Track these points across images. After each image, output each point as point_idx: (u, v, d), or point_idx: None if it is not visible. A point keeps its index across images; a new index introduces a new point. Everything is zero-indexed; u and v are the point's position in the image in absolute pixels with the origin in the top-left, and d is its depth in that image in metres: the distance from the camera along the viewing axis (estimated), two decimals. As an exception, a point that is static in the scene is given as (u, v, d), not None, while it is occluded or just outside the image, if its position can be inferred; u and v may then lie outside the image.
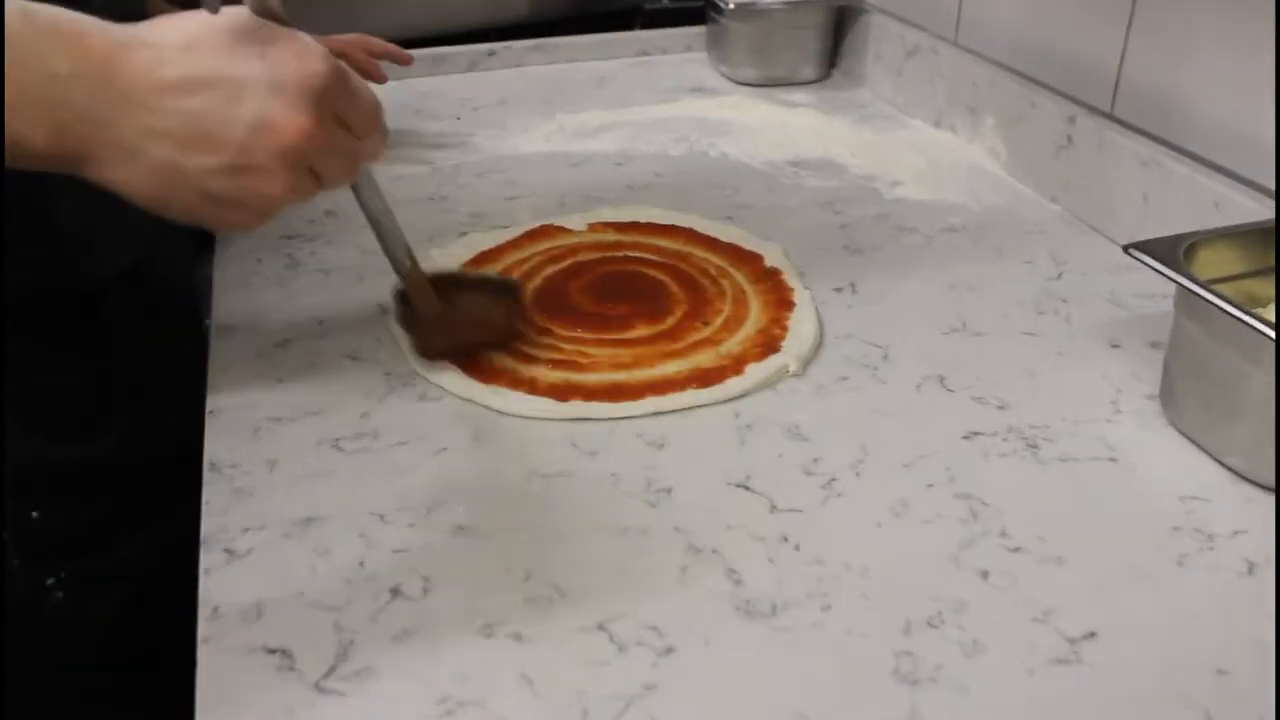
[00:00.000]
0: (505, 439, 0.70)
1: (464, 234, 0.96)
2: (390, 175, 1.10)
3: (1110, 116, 0.97)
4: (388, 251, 0.73)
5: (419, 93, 1.33)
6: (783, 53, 1.35)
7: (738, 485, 0.66)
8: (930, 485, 0.66)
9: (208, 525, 0.63)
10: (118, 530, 0.87)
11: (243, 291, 0.88)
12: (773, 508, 0.64)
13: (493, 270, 0.88)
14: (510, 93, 1.33)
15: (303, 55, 0.53)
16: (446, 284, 0.78)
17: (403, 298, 0.76)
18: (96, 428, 0.85)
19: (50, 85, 0.48)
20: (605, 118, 1.25)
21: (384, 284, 0.84)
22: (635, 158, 1.15)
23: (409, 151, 1.15)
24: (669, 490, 0.65)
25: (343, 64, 0.55)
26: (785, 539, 0.61)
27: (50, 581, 0.86)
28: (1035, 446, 0.69)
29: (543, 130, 1.21)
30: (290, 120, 0.52)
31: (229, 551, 0.61)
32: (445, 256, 0.91)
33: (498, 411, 0.72)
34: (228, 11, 0.53)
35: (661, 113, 1.27)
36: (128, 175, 0.51)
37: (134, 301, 0.86)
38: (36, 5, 0.49)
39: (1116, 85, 0.96)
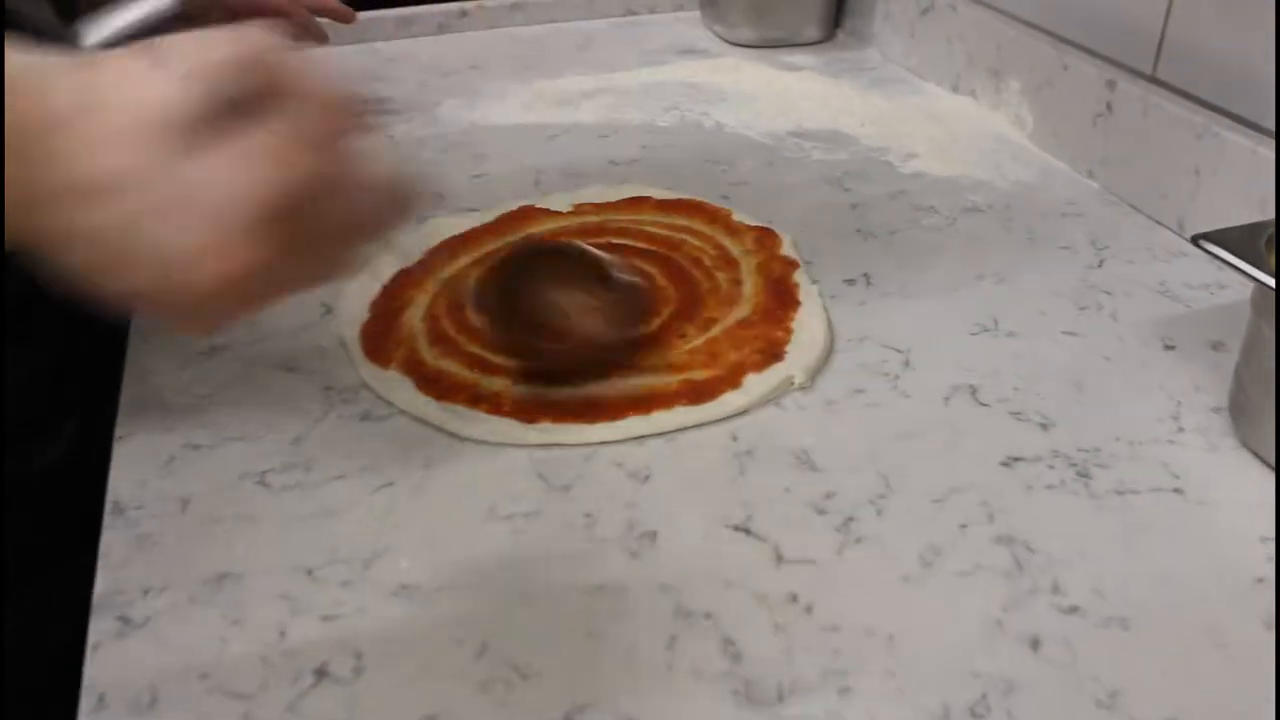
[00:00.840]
0: (461, 469, 0.60)
1: (426, 219, 0.85)
2: (346, 150, 0.98)
3: (1154, 80, 0.86)
4: None
5: (384, 57, 1.22)
6: (783, 10, 1.24)
7: (736, 528, 0.55)
8: (965, 526, 0.55)
9: (103, 584, 0.53)
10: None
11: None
12: (779, 558, 0.53)
13: (463, 261, 0.77)
14: (484, 57, 1.22)
15: (249, 157, 0.39)
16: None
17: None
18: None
19: None
20: (588, 83, 1.13)
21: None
22: (620, 129, 1.03)
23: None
24: (653, 535, 0.55)
25: (331, 155, 0.41)
26: (794, 598, 0.51)
27: None
28: (1087, 476, 0.59)
29: (519, 98, 1.09)
30: (215, 257, 0.39)
31: (124, 620, 0.51)
32: (408, 243, 0.80)
33: (453, 435, 0.62)
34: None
35: (649, 77, 1.15)
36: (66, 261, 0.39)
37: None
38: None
39: (1161, 44, 0.85)
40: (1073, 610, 0.50)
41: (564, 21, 1.32)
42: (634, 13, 1.36)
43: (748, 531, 0.55)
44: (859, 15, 1.26)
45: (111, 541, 0.55)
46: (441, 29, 1.29)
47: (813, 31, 1.25)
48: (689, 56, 1.23)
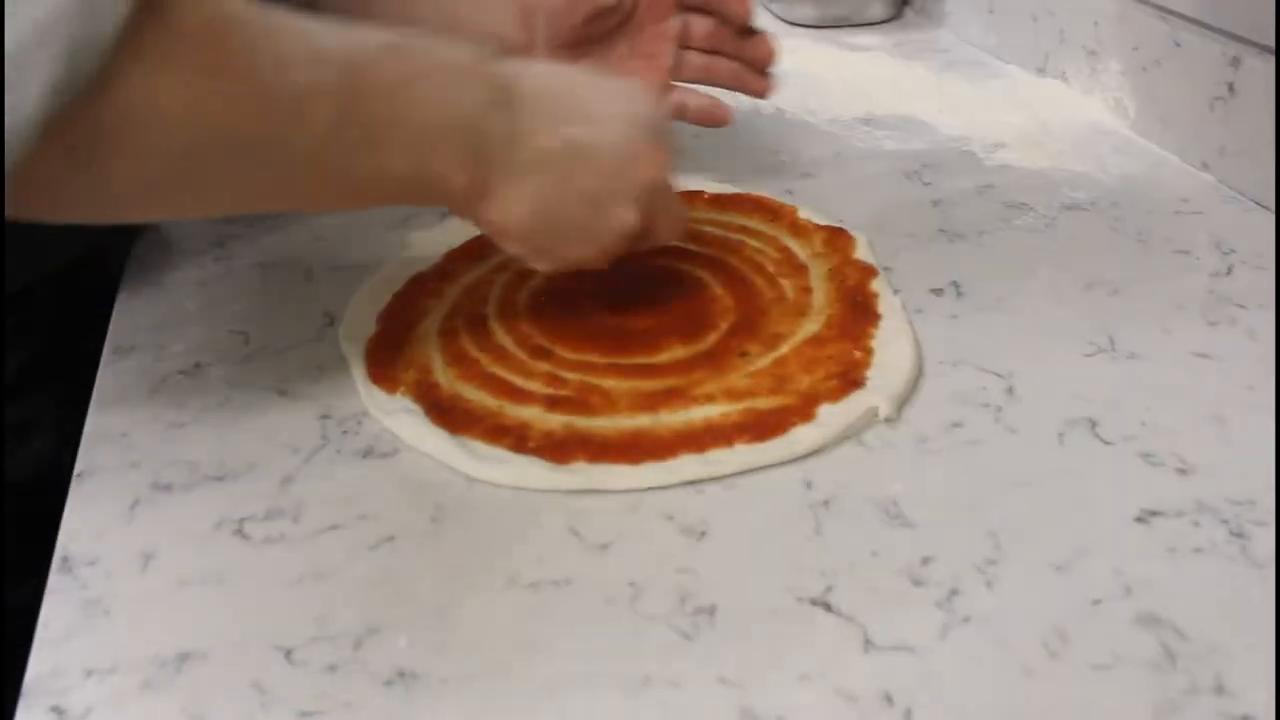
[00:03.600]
0: (477, 521, 0.49)
1: (448, 214, 0.75)
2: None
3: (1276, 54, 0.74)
4: None
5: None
6: (846, -14, 1.13)
7: (814, 602, 0.45)
8: (1097, 602, 0.44)
9: (38, 664, 0.43)
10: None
11: (152, 292, 0.68)
12: (867, 642, 0.43)
13: (488, 265, 0.68)
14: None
15: (639, 95, 0.57)
16: None
17: None
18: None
19: (471, 115, 0.50)
20: (632, 66, 1.03)
21: (337, 284, 0.64)
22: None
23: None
24: (711, 611, 0.44)
25: None
26: (889, 699, 0.40)
27: None
28: (1242, 536, 0.48)
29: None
30: (652, 152, 0.55)
31: (58, 711, 0.41)
32: (426, 242, 0.70)
33: (469, 477, 0.51)
34: None
35: (700, 60, 1.04)
36: (512, 205, 0.52)
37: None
38: (443, 45, 0.51)
39: (1291, 16, 0.73)
40: (1245, 720, 0.39)
41: (606, 0, 1.21)
42: (682, -9, 1.25)
43: (827, 607, 0.44)
44: (930, -9, 1.15)
45: (53, 610, 0.45)
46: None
47: (878, 10, 1.14)
48: (743, 37, 1.12)
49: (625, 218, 0.55)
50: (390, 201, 0.54)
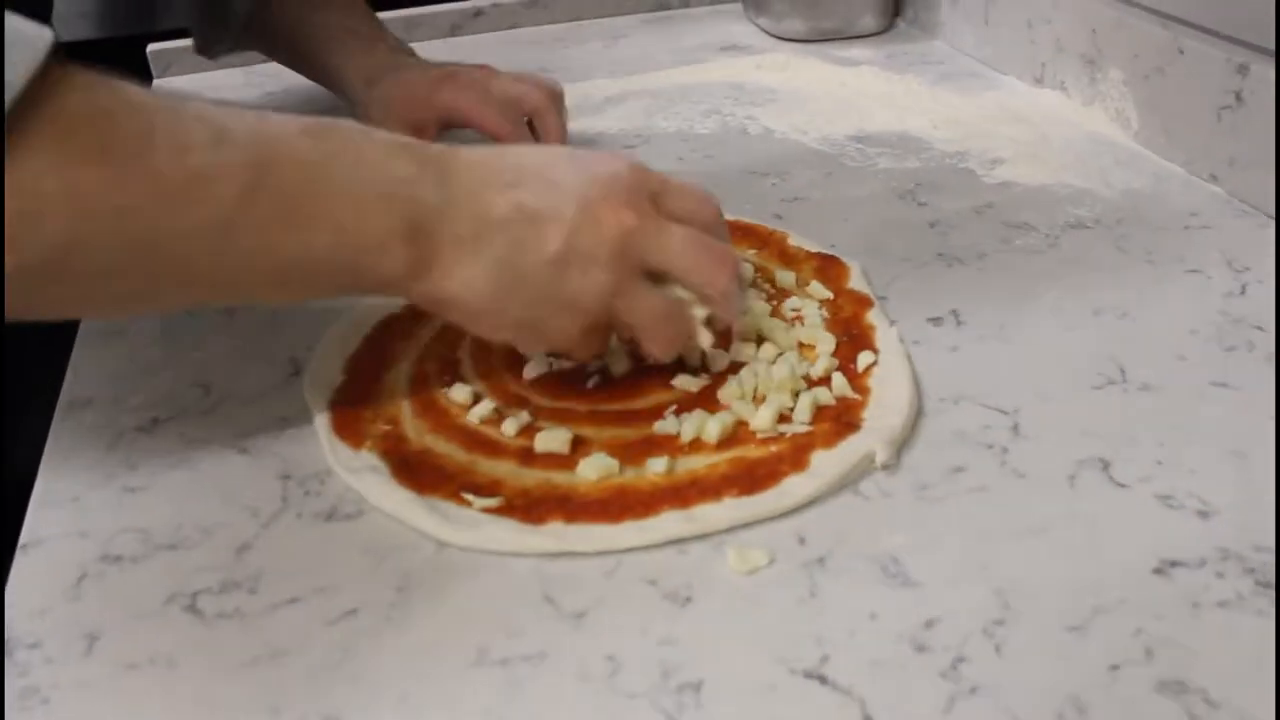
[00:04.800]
0: (445, 591, 0.46)
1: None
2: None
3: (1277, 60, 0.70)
4: None
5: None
6: (836, -1, 1.09)
7: (808, 674, 0.41)
8: (1115, 667, 0.41)
9: (-34, 763, 0.40)
10: None
11: (112, 340, 0.64)
12: (867, 719, 0.39)
13: None
14: (499, 60, 1.06)
15: (608, 157, 0.53)
16: None
17: None
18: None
19: (402, 186, 0.48)
20: (614, 87, 1.00)
21: (305, 327, 0.61)
22: (652, 137, 0.90)
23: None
24: (697, 687, 0.41)
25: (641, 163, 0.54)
26: (892, 786, 0.37)
27: None
28: (1270, 585, 0.44)
29: (536, 106, 0.96)
30: (611, 206, 0.50)
31: (-16, 820, 0.38)
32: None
33: (437, 541, 0.48)
34: None
35: (686, 78, 1.02)
36: (469, 277, 0.49)
37: None
38: (370, 128, 0.49)
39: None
40: (1284, 801, 0.36)
41: (588, 19, 1.18)
42: (666, 6, 1.22)
43: (823, 680, 0.41)
44: (922, 1, 1.11)
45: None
46: (454, 30, 1.16)
47: (870, 21, 1.11)
48: (730, 53, 1.09)
49: (597, 278, 0.50)
50: (324, 288, 0.49)
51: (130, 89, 0.43)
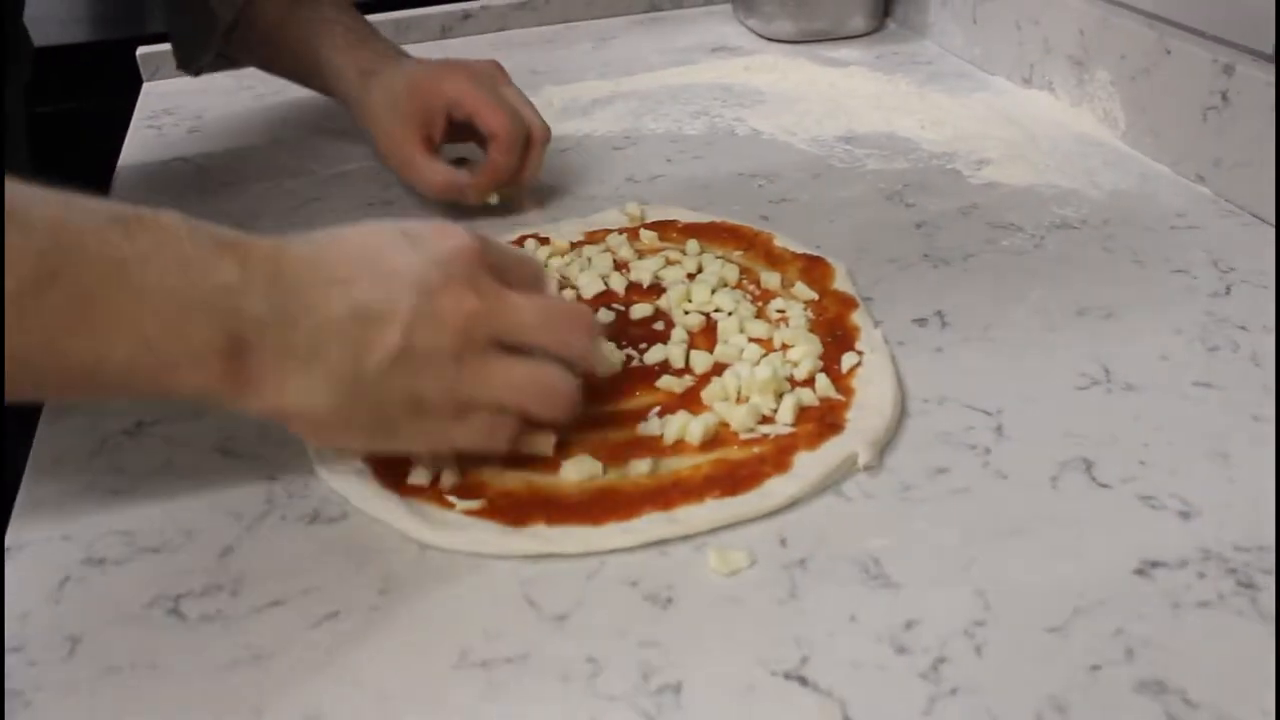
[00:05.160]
0: (427, 593, 0.46)
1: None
2: (325, 174, 0.86)
3: (1278, 61, 0.70)
4: None
5: (378, 66, 1.08)
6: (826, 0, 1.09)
7: (788, 676, 0.41)
8: (1096, 668, 0.41)
9: (-53, 767, 0.40)
10: None
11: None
12: (846, 721, 0.39)
13: None
14: (489, 62, 1.08)
15: (444, 232, 0.49)
16: None
17: None
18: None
19: (223, 296, 0.44)
20: (604, 89, 1.00)
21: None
22: (641, 139, 0.90)
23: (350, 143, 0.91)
24: (677, 689, 0.41)
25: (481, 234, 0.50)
26: (870, 787, 0.37)
27: None
28: (1251, 586, 0.44)
29: (525, 107, 0.96)
30: (452, 292, 0.47)
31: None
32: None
33: (420, 544, 0.48)
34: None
35: (675, 79, 1.02)
36: (305, 388, 0.45)
37: None
38: (196, 222, 0.45)
39: (1285, 21, 0.70)
40: (1261, 800, 0.36)
41: (578, 21, 1.18)
42: (657, 8, 1.22)
43: (803, 681, 0.41)
44: (911, 2, 1.12)
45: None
46: (444, 32, 1.16)
47: (859, 22, 1.11)
48: (719, 54, 1.09)
49: (445, 371, 0.47)
50: (121, 394, 0.47)
51: None
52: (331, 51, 0.81)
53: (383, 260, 0.47)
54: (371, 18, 1.10)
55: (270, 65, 0.91)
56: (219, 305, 0.44)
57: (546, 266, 0.67)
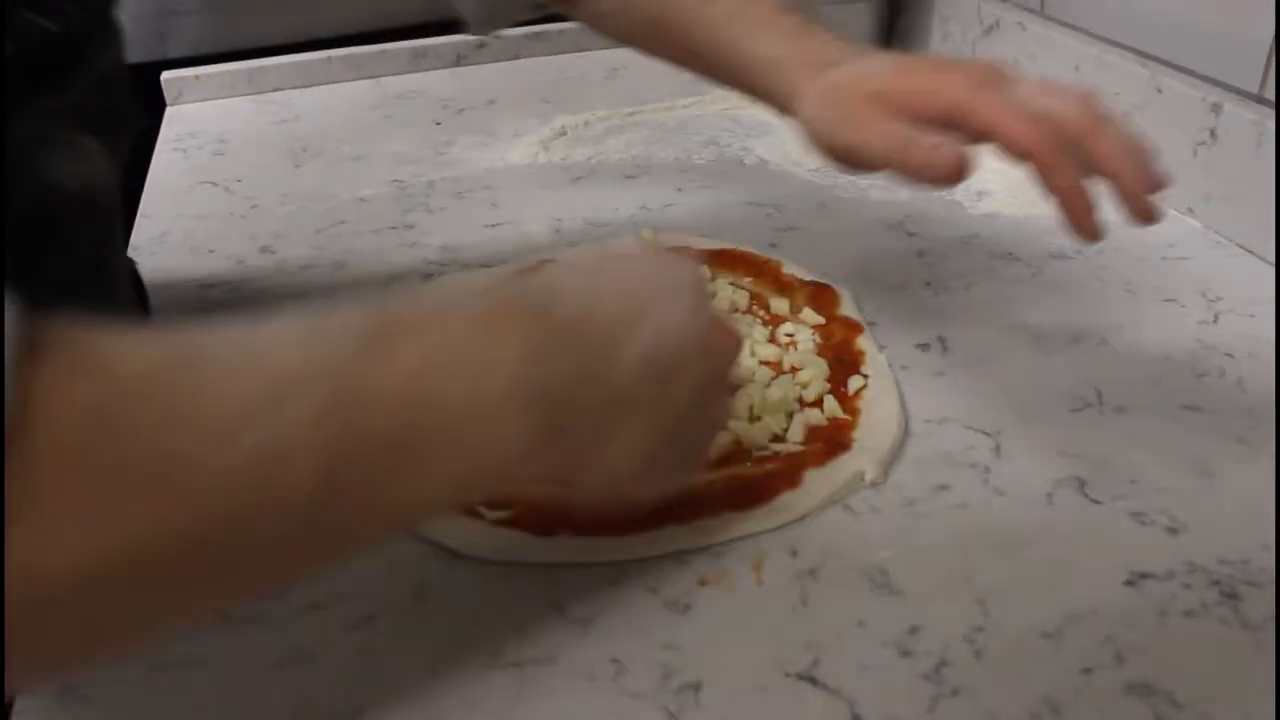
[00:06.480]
0: (460, 598, 0.49)
1: (431, 275, 0.75)
2: (346, 198, 0.89)
3: (1264, 100, 0.74)
4: None
5: (393, 93, 1.12)
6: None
7: (800, 677, 0.44)
8: (1088, 671, 0.44)
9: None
10: None
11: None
12: (855, 718, 0.42)
13: None
14: (502, 91, 1.12)
15: (672, 264, 0.47)
16: None
17: None
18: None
19: (520, 368, 0.37)
20: (615, 118, 1.03)
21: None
22: (651, 168, 0.93)
23: (370, 168, 0.94)
24: (697, 688, 0.44)
25: None
26: (877, 779, 0.40)
27: None
28: (1235, 597, 0.47)
29: (538, 136, 0.99)
30: (721, 334, 0.47)
31: (30, 807, 0.40)
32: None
33: (452, 552, 0.51)
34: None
35: (684, 109, 1.05)
36: (616, 462, 0.42)
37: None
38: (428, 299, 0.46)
39: (1271, 60, 0.73)
40: (1241, 794, 0.39)
41: (590, 50, 1.21)
42: (667, 39, 1.26)
43: (814, 681, 0.44)
44: (913, 37, 1.15)
45: (29, 697, 0.45)
46: (458, 60, 1.19)
47: (862, 55, 1.14)
48: (727, 85, 1.12)
49: (716, 411, 0.49)
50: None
51: (117, 346, 0.30)
52: (765, 44, 0.63)
53: (647, 306, 0.43)
54: (385, 47, 1.14)
55: (631, 39, 0.79)
56: (538, 385, 0.38)
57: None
